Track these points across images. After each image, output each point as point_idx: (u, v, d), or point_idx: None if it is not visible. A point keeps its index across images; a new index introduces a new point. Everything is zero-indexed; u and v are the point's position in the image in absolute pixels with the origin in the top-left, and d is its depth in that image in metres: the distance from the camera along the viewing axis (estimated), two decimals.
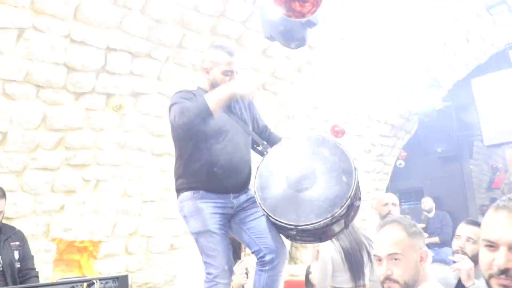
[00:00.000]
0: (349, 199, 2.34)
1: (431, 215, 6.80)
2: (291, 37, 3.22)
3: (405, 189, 7.68)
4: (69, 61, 3.50)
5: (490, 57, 7.09)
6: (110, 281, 2.51)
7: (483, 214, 7.52)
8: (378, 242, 1.88)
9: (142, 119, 4.19)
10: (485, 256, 1.27)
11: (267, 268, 2.64)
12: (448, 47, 6.45)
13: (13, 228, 3.27)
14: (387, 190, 8.13)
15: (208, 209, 2.56)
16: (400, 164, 7.94)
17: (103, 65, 3.69)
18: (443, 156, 7.56)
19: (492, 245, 1.25)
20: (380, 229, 1.91)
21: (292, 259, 6.43)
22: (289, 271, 6.00)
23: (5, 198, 3.08)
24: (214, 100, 2.43)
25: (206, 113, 2.42)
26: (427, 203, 6.93)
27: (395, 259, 1.78)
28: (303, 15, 2.63)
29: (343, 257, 3.35)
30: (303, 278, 4.23)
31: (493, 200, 7.66)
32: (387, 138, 7.63)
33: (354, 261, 3.36)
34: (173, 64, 4.13)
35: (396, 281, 1.75)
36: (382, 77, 6.25)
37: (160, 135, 4.35)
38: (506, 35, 6.55)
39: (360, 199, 2.54)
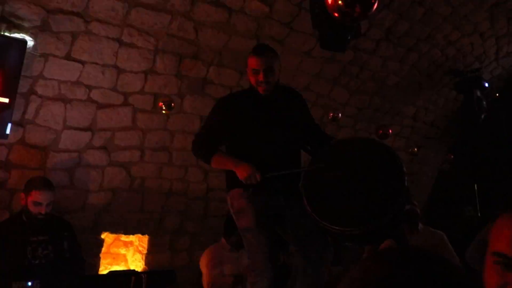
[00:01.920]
0: (398, 203, 2.32)
1: None
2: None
3: (451, 193, 7.44)
4: None
5: None
6: (158, 275, 2.60)
7: None
8: None
9: (188, 119, 4.29)
10: (495, 276, 0.92)
11: (311, 267, 2.65)
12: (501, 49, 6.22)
13: (61, 219, 3.41)
14: (432, 193, 7.94)
15: (256, 208, 2.59)
16: (446, 166, 7.72)
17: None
18: (493, 159, 7.28)
19: (507, 263, 0.90)
20: None
21: None
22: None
23: (54, 191, 3.21)
24: (218, 163, 2.66)
25: (207, 163, 2.69)
26: (469, 212, 6.71)
27: None
28: (355, 19, 2.63)
29: None
30: None
31: None
32: (433, 140, 7.44)
33: None
34: (219, 66, 4.20)
35: None
36: (425, 77, 6.10)
37: None
38: None
39: (410, 202, 2.50)
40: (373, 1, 2.51)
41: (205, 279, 4.03)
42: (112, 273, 2.55)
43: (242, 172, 2.50)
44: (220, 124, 2.69)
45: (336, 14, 2.60)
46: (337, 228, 2.36)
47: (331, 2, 2.57)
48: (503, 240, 0.92)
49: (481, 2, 5.03)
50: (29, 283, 2.21)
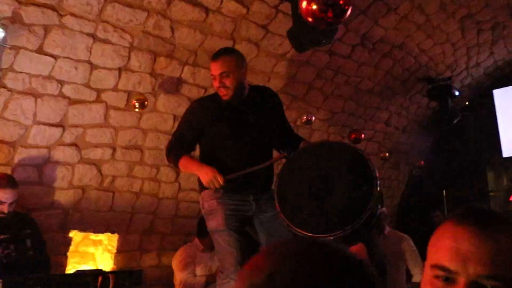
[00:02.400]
0: (370, 209, 2.31)
1: None
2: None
3: (421, 199, 7.58)
4: None
5: None
6: (125, 275, 2.57)
7: None
8: None
9: (161, 118, 4.25)
10: None
11: None
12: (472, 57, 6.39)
13: (25, 216, 3.34)
14: (402, 199, 8.08)
15: (226, 209, 2.59)
16: (416, 172, 7.88)
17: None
18: (461, 166, 7.48)
19: (448, 277, 0.84)
20: None
21: None
22: None
23: (18, 189, 3.14)
24: (184, 167, 2.70)
25: (176, 166, 2.75)
26: (437, 217, 6.84)
27: None
28: (330, 24, 2.66)
29: None
30: None
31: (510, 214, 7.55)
32: (404, 145, 7.59)
33: None
34: (194, 66, 4.18)
35: None
36: (402, 83, 6.21)
37: None
38: None
39: (382, 206, 2.53)
40: (346, 7, 2.55)
41: (177, 279, 4.01)
42: (78, 272, 2.50)
43: (204, 176, 2.54)
44: (188, 128, 2.73)
45: (310, 19, 2.63)
46: (309, 234, 2.35)
47: (305, 7, 2.60)
48: (443, 251, 0.85)
49: (453, 12, 5.16)
50: None
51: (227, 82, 2.60)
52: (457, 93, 6.22)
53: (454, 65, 6.39)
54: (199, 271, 4.02)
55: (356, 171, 2.48)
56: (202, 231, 3.81)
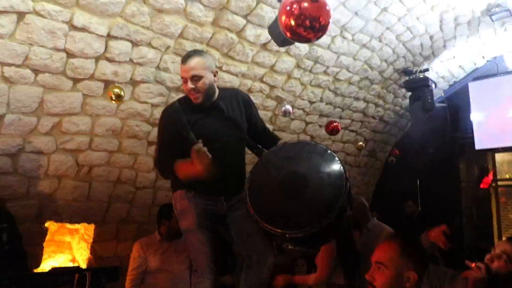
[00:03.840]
0: (339, 208, 2.36)
1: None
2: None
3: (396, 187, 7.74)
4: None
5: (488, 62, 7.17)
6: (102, 272, 2.57)
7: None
8: None
9: (140, 107, 4.20)
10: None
11: (254, 268, 2.71)
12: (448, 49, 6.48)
13: (0, 210, 3.29)
14: (377, 187, 8.24)
15: (198, 208, 2.61)
16: (391, 160, 8.02)
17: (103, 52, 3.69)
18: (435, 156, 7.64)
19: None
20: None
21: None
22: None
23: None
24: (183, 173, 2.48)
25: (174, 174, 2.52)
26: (410, 207, 6.99)
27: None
28: (308, 40, 2.65)
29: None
30: None
31: (480, 200, 7.79)
32: (381, 134, 7.70)
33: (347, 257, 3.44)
34: (173, 55, 4.12)
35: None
36: (380, 73, 6.27)
37: (156, 124, 4.36)
38: (506, 41, 6.60)
39: (351, 208, 2.58)
40: (324, 23, 2.52)
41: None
42: (55, 270, 2.49)
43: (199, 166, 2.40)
44: (170, 142, 2.64)
45: (288, 34, 2.62)
46: (279, 231, 2.39)
47: (284, 22, 2.58)
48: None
49: (432, 6, 5.20)
50: None
51: (199, 86, 2.58)
52: (433, 85, 6.32)
53: (431, 57, 6.48)
54: (153, 262, 3.93)
55: (327, 171, 2.52)
56: (160, 220, 3.85)
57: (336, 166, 2.51)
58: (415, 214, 6.94)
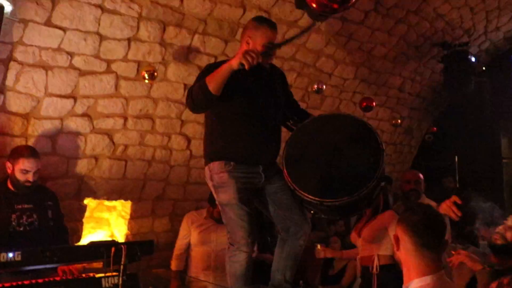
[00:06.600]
0: (376, 179, 2.40)
1: None
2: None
3: (432, 164, 7.56)
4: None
5: None
6: (137, 245, 2.67)
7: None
8: None
9: (172, 87, 4.27)
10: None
11: (290, 240, 2.74)
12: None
13: (46, 188, 3.46)
14: (413, 164, 8.07)
15: (238, 182, 2.62)
16: (429, 138, 7.82)
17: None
18: (474, 133, 7.39)
19: None
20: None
21: None
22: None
23: (40, 159, 3.24)
24: (213, 79, 2.45)
25: (207, 96, 2.47)
26: (450, 183, 6.83)
27: None
28: (334, 10, 2.62)
29: None
30: None
31: None
32: (418, 111, 7.51)
33: None
34: (203, 34, 4.15)
35: None
36: (416, 48, 6.09)
37: None
38: None
39: (385, 178, 2.58)
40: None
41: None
42: (92, 243, 2.61)
43: (236, 60, 2.40)
44: (206, 71, 2.65)
45: (314, 5, 2.59)
46: (317, 199, 2.44)
47: None
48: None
49: None
50: (10, 254, 2.25)
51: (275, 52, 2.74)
52: (473, 59, 6.07)
53: (472, 30, 6.21)
54: (195, 236, 4.18)
55: (364, 143, 2.54)
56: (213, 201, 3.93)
57: (373, 137, 2.52)
58: (454, 190, 6.79)
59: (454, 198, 2.44)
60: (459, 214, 2.37)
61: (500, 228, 2.65)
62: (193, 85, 2.68)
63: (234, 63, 2.42)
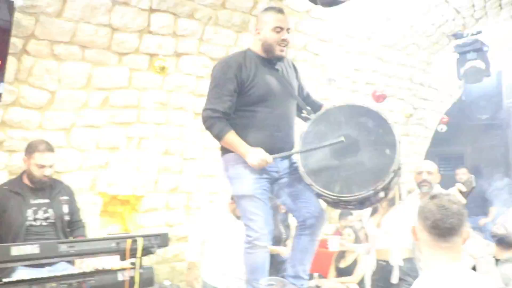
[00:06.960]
0: (392, 172, 2.36)
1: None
2: None
3: (445, 155, 7.49)
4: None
5: None
6: (152, 238, 2.65)
7: None
8: None
9: (184, 79, 4.25)
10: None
11: (307, 232, 2.71)
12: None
13: (61, 182, 3.45)
14: (427, 155, 8.00)
15: (253, 173, 2.57)
16: (441, 129, 7.74)
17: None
18: (487, 123, 7.30)
19: None
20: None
21: None
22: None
23: (55, 153, 3.23)
24: (230, 144, 2.52)
25: (216, 139, 2.55)
26: (463, 175, 6.72)
27: None
28: None
29: None
30: None
31: None
32: (430, 102, 7.43)
33: None
34: (215, 25, 4.12)
35: None
36: (428, 39, 6.01)
37: (202, 95, 4.40)
38: None
39: (400, 170, 2.54)
40: None
41: None
42: (108, 236, 2.60)
43: (252, 159, 2.46)
44: (230, 87, 2.54)
45: None
46: (332, 195, 2.42)
47: None
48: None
49: None
50: (28, 247, 2.24)
51: (288, 39, 2.57)
52: (486, 48, 5.97)
53: (485, 19, 6.11)
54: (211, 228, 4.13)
55: (379, 134, 2.49)
56: None
57: (388, 130, 2.47)
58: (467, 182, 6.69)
59: (459, 185, 2.40)
60: (464, 202, 2.33)
61: (502, 218, 2.63)
62: (211, 108, 2.57)
63: (250, 161, 2.47)
